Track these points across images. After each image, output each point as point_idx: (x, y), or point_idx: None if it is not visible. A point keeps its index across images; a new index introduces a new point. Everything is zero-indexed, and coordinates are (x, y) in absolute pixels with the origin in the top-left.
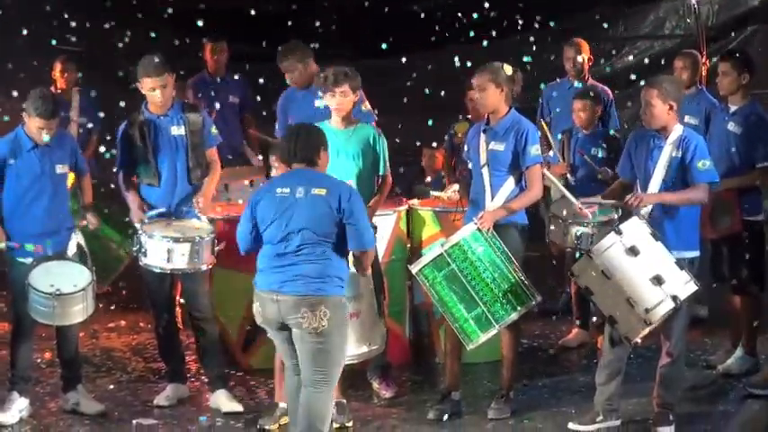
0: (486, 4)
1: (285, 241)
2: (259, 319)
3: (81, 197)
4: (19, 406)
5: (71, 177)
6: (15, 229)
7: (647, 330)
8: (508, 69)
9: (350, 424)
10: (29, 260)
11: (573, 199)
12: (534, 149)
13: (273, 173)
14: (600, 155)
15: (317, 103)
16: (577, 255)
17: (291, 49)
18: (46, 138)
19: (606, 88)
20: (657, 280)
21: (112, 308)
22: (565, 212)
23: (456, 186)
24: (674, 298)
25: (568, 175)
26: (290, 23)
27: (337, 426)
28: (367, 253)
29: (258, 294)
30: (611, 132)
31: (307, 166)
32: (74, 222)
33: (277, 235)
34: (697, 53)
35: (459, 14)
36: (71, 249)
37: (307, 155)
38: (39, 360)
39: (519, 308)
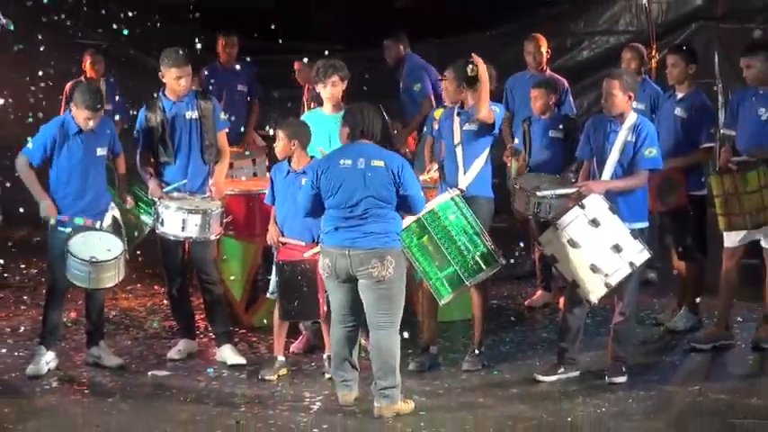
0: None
1: (351, 206)
2: (326, 272)
3: (116, 172)
4: (47, 359)
5: None
6: (63, 205)
7: (605, 292)
8: (469, 71)
9: None
10: (68, 229)
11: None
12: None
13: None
14: (558, 136)
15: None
16: (543, 220)
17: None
18: (92, 126)
19: (562, 78)
20: (616, 248)
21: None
22: (528, 185)
23: (436, 166)
24: (631, 264)
25: (526, 161)
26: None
27: (329, 376)
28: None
29: (327, 251)
30: (567, 114)
31: (370, 141)
32: (111, 197)
33: (343, 201)
34: (642, 46)
35: (435, 12)
36: (107, 221)
37: (375, 131)
38: (65, 319)
39: (485, 268)
